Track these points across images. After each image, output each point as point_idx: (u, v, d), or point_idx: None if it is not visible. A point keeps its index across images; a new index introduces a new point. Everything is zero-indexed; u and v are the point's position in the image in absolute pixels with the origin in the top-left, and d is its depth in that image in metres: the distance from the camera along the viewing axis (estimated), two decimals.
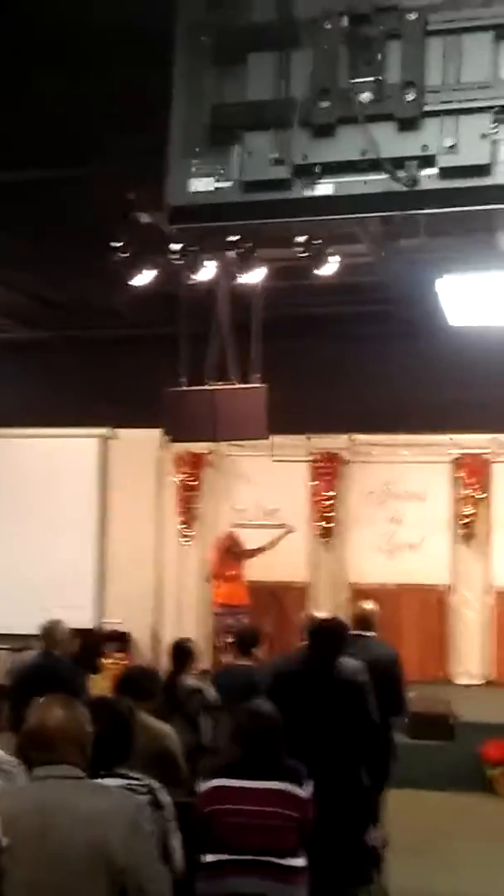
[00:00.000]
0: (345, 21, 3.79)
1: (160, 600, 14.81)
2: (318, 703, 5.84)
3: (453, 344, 11.14)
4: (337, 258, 9.77)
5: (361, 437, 14.46)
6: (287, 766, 4.93)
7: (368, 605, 7.93)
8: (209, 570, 13.82)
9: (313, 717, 5.78)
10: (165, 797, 4.16)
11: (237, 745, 4.90)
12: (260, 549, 13.75)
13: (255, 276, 10.24)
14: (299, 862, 4.83)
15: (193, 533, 14.85)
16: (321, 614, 7.20)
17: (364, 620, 7.15)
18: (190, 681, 7.69)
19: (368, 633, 7.21)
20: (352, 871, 6.09)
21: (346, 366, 13.08)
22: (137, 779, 4.16)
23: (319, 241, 9.32)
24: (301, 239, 9.25)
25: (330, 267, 9.85)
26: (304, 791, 4.87)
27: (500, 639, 14.01)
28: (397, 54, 3.80)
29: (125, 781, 4.10)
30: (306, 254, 9.47)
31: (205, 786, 4.81)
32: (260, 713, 5.05)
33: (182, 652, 7.94)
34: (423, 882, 8.07)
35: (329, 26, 3.78)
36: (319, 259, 9.72)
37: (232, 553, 13.63)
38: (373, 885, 7.08)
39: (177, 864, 4.21)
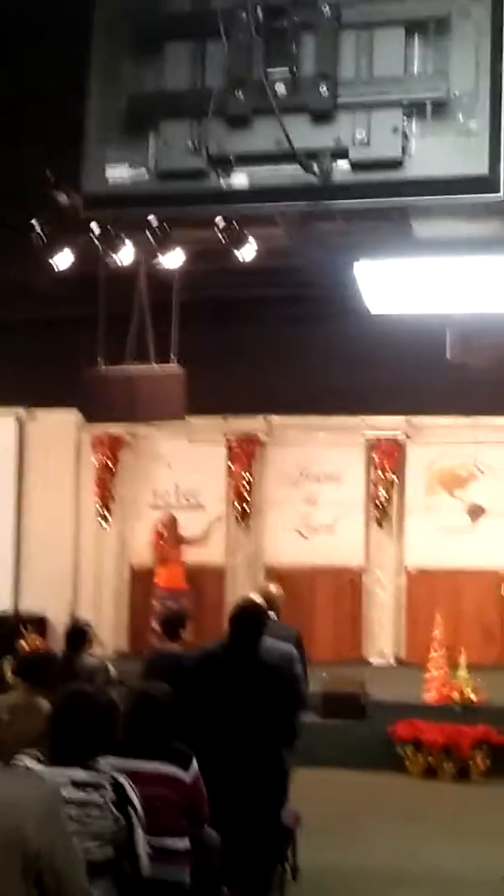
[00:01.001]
0: (260, 12, 3.82)
1: (78, 583, 14.78)
2: (240, 686, 5.89)
3: (367, 327, 11.24)
4: (255, 242, 9.84)
5: (277, 420, 14.58)
6: (173, 748, 4.97)
7: (272, 588, 8.05)
8: (152, 554, 13.77)
9: (235, 699, 5.83)
10: (132, 795, 4.13)
11: (124, 726, 4.93)
12: (198, 539, 13.83)
13: (173, 259, 10.26)
14: (180, 844, 4.87)
15: (111, 515, 14.82)
16: (250, 596, 7.26)
17: (266, 602, 7.24)
18: (90, 660, 7.75)
19: (270, 614, 7.32)
20: (266, 849, 6.18)
21: (264, 348, 13.16)
22: (105, 773, 4.14)
23: (236, 226, 9.37)
24: (220, 222, 9.29)
25: (248, 250, 9.91)
26: (188, 774, 4.93)
27: (412, 619, 14.25)
28: (311, 47, 3.84)
29: (89, 774, 4.09)
30: (225, 237, 9.52)
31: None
32: (145, 694, 5.10)
33: (77, 633, 8.00)
34: (333, 859, 8.20)
35: (244, 17, 3.80)
36: (239, 242, 9.78)
37: (173, 537, 13.63)
38: (286, 862, 7.20)
39: (143, 863, 4.16)
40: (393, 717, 11.25)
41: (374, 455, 14.51)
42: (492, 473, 14.34)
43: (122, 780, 4.12)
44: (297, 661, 6.17)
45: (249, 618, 6.05)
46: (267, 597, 7.40)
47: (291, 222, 9.24)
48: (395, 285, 9.07)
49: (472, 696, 11.33)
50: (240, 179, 3.91)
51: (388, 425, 14.35)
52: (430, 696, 11.56)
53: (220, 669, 5.98)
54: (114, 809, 4.05)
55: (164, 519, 13.98)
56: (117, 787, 4.10)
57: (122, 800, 4.09)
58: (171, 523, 13.86)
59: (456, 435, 14.26)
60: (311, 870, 7.60)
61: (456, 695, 11.35)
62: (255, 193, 3.95)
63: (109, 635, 14.11)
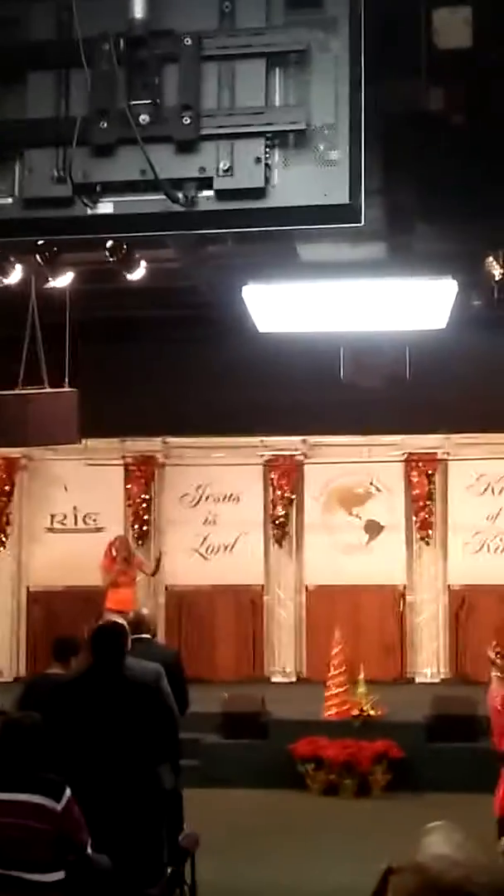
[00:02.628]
0: (122, 43, 3.84)
1: None
2: (105, 708, 5.89)
3: (262, 347, 11.34)
4: (144, 263, 9.86)
5: (175, 440, 14.59)
6: (42, 777, 4.92)
7: (143, 610, 8.13)
8: (102, 576, 13.58)
9: (101, 721, 5.83)
10: None
11: None
12: (152, 569, 13.77)
13: (63, 280, 10.23)
14: (52, 877, 4.81)
15: (7, 539, 14.66)
16: (105, 619, 7.28)
17: (139, 623, 7.29)
18: None
19: (145, 636, 7.35)
20: (161, 869, 6.17)
21: (159, 369, 13.18)
22: None
23: (125, 248, 9.38)
24: (109, 244, 9.29)
25: (139, 271, 9.92)
26: (58, 804, 4.87)
27: (311, 636, 14.34)
28: (174, 78, 3.86)
29: None
30: (114, 259, 9.52)
31: None
32: (11, 724, 5.05)
33: None
34: (234, 879, 8.23)
35: (107, 48, 3.82)
36: (129, 264, 9.78)
37: (123, 559, 13.53)
38: (186, 885, 7.19)
39: None
40: (294, 735, 11.32)
41: (271, 474, 14.60)
42: (387, 491, 14.53)
43: None
44: (162, 676, 6.16)
45: (108, 638, 6.07)
46: (137, 618, 7.46)
47: (181, 244, 9.27)
48: (282, 307, 9.17)
49: (372, 712, 11.45)
50: (105, 207, 3.92)
51: (284, 445, 14.46)
52: (330, 713, 11.64)
53: (84, 691, 5.98)
54: None
55: (116, 541, 13.83)
56: None
57: None
58: (123, 546, 13.74)
59: (351, 454, 14.42)
60: (211, 891, 7.61)
61: (355, 711, 11.46)
62: (121, 221, 3.97)
63: (6, 661, 13.97)
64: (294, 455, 14.57)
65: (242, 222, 3.95)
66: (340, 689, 11.70)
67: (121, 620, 6.71)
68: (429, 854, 2.11)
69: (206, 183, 3.85)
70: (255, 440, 14.32)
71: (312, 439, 14.41)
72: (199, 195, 3.86)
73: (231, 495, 14.67)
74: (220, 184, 3.83)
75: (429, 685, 13.68)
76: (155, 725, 5.93)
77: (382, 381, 11.65)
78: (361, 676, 11.70)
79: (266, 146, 3.83)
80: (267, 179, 3.82)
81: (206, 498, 14.70)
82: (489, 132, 6.98)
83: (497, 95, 6.89)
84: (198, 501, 14.70)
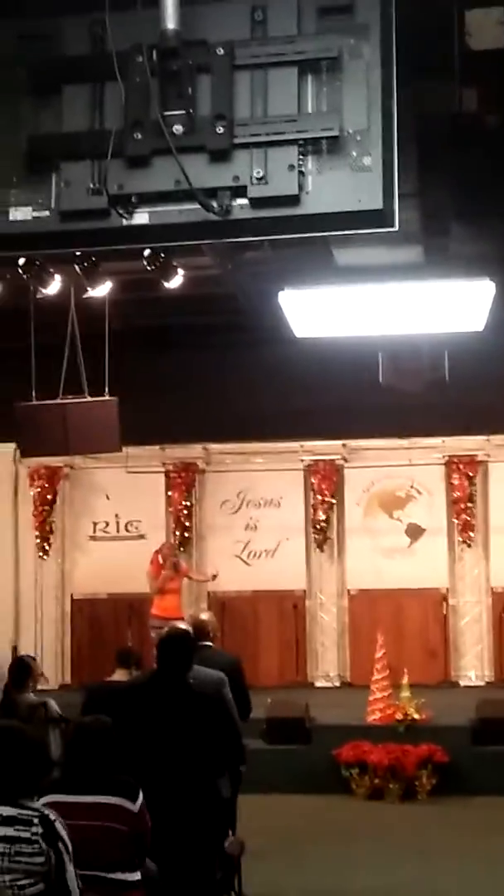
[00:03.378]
0: (155, 55, 3.88)
1: (19, 617, 14.70)
2: (171, 715, 5.90)
3: (300, 353, 11.33)
4: (182, 271, 9.90)
5: (215, 447, 14.63)
6: (117, 779, 4.97)
7: (203, 615, 8.07)
8: (149, 583, 13.60)
9: (164, 728, 5.84)
10: (61, 830, 4.14)
11: (65, 762, 4.94)
12: (207, 579, 13.83)
13: (102, 290, 10.29)
14: (132, 877, 4.87)
15: (50, 548, 14.77)
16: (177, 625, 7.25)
17: (199, 630, 7.24)
18: (31, 696, 7.71)
19: (205, 643, 7.32)
20: (212, 880, 6.18)
21: (198, 376, 13.21)
22: (34, 809, 4.14)
23: (164, 255, 9.43)
24: (146, 254, 9.35)
25: (177, 279, 9.96)
26: (135, 804, 4.93)
27: (355, 641, 14.33)
28: (207, 88, 3.89)
29: (17, 811, 4.09)
30: (151, 268, 9.57)
31: (39, 802, 4.83)
32: (85, 728, 5.10)
33: (20, 668, 7.97)
34: (281, 885, 8.23)
35: (140, 60, 3.85)
36: (167, 272, 9.83)
37: (171, 565, 13.56)
38: (233, 892, 7.20)
39: None
40: (338, 739, 11.30)
41: (312, 479, 14.59)
42: (428, 494, 14.49)
43: (52, 815, 4.13)
44: (225, 684, 6.17)
45: (175, 646, 6.07)
46: (198, 625, 7.41)
47: (219, 251, 9.31)
48: (319, 312, 9.16)
49: (416, 716, 11.40)
50: (141, 218, 3.96)
51: (324, 449, 14.45)
52: (374, 717, 11.61)
53: (148, 699, 5.99)
54: (43, 844, 4.06)
55: (163, 548, 13.85)
56: (45, 822, 4.11)
57: (51, 835, 4.10)
58: (170, 552, 13.76)
59: (392, 457, 14.40)
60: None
61: (400, 715, 11.41)
62: (157, 231, 4.00)
63: (52, 668, 14.05)
64: (334, 459, 14.56)
65: (277, 230, 3.97)
66: (384, 694, 11.66)
67: (185, 626, 6.70)
68: None
69: (240, 191, 3.88)
70: (295, 445, 14.33)
71: (352, 443, 14.39)
72: (234, 203, 3.89)
73: (272, 500, 14.69)
74: (254, 192, 3.86)
75: (473, 688, 13.62)
76: (217, 735, 5.93)
77: (421, 385, 11.62)
78: (405, 680, 11.65)
79: (299, 153, 3.85)
80: (301, 186, 3.84)
81: (247, 503, 14.74)
82: None
83: None
84: (239, 507, 14.74)
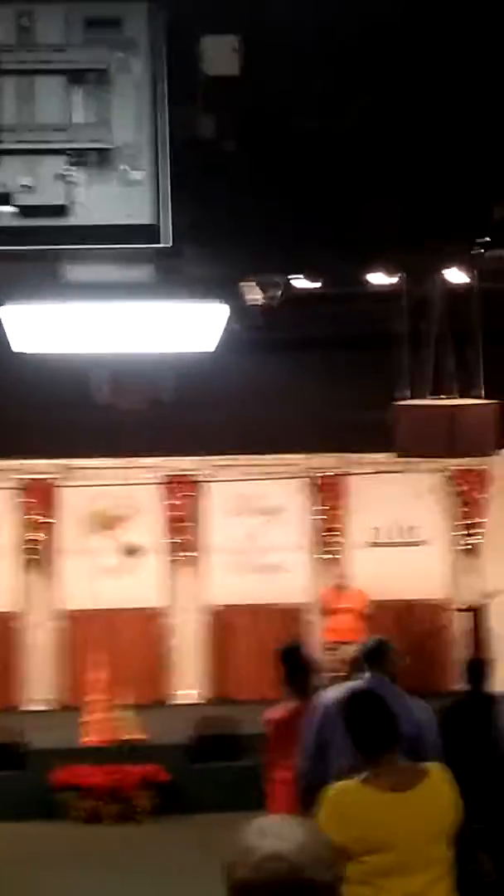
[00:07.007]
0: None
1: None
2: None
3: (19, 369, 11.08)
4: None
5: None
6: None
7: None
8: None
9: None
10: None
11: None
12: None
13: None
14: None
15: None
16: None
17: None
18: None
19: None
20: None
21: None
22: None
23: None
24: None
25: None
26: None
27: (70, 662, 14.09)
28: None
29: None
30: None
31: None
32: None
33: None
34: None
35: None
36: None
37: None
38: None
39: None
40: (53, 763, 11.07)
41: (25, 498, 14.31)
42: (145, 513, 14.52)
43: None
44: None
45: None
46: None
47: None
48: (43, 327, 8.99)
49: (135, 736, 11.35)
50: None
51: (39, 468, 14.20)
52: (90, 738, 11.46)
53: None
54: None
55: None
56: None
57: None
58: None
59: (108, 476, 14.33)
60: None
61: (118, 735, 11.33)
62: None
63: None
64: (49, 478, 14.34)
65: (45, 239, 3.88)
66: (101, 714, 11.55)
67: None
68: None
69: (6, 198, 3.76)
70: (8, 463, 14.00)
71: (68, 462, 14.22)
72: (1, 210, 3.76)
73: None
74: (21, 200, 3.75)
75: (187, 706, 13.75)
76: None
77: (142, 404, 11.65)
78: (123, 700, 11.59)
79: (68, 163, 3.78)
80: (69, 197, 3.77)
81: None
82: (260, 160, 7.12)
83: (265, 124, 7.04)
84: None
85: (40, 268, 8.58)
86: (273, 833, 2.10)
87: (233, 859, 2.07)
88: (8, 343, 9.61)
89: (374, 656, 6.51)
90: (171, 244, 3.79)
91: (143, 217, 3.79)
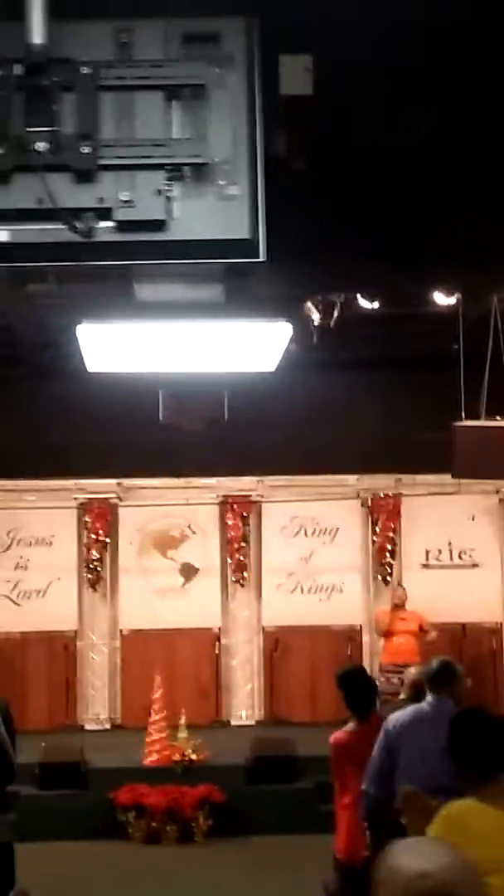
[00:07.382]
0: (20, 69, 3.75)
1: None
2: None
3: (83, 390, 11.17)
4: None
5: None
6: None
7: None
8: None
9: None
10: None
11: None
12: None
13: None
14: None
15: None
16: None
17: None
18: None
19: None
20: None
21: None
22: None
23: None
24: None
25: None
26: None
27: (126, 682, 14.15)
28: (72, 106, 3.80)
29: None
30: None
31: None
32: None
33: None
34: None
35: (3, 73, 3.73)
36: None
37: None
38: None
39: None
40: (114, 783, 11.11)
41: (86, 517, 14.39)
42: (202, 534, 14.56)
43: None
44: None
45: None
46: None
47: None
48: (116, 346, 9.05)
49: (193, 756, 11.35)
50: (1, 236, 3.81)
51: (99, 488, 14.28)
52: (151, 759, 11.48)
53: None
54: None
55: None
56: None
57: None
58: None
59: (167, 496, 14.39)
60: None
61: (177, 756, 11.33)
62: (17, 250, 3.86)
63: None
64: (109, 498, 14.42)
65: (143, 255, 3.90)
66: (161, 735, 11.57)
67: None
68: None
69: (105, 213, 3.79)
70: (70, 482, 14.08)
71: (127, 482, 14.30)
72: (99, 226, 3.79)
73: (43, 538, 14.37)
74: (120, 215, 3.77)
75: (244, 727, 13.74)
76: None
77: (202, 424, 11.66)
78: (182, 720, 11.60)
79: (166, 178, 3.81)
80: (168, 212, 3.80)
81: (17, 542, 14.34)
82: (327, 179, 7.16)
83: (336, 143, 7.08)
84: (9, 546, 14.33)
85: (113, 287, 8.69)
86: (419, 852, 2.11)
87: (379, 879, 2.08)
88: (77, 362, 9.70)
89: (439, 678, 6.45)
90: (263, 259, 3.80)
91: (240, 232, 3.80)
